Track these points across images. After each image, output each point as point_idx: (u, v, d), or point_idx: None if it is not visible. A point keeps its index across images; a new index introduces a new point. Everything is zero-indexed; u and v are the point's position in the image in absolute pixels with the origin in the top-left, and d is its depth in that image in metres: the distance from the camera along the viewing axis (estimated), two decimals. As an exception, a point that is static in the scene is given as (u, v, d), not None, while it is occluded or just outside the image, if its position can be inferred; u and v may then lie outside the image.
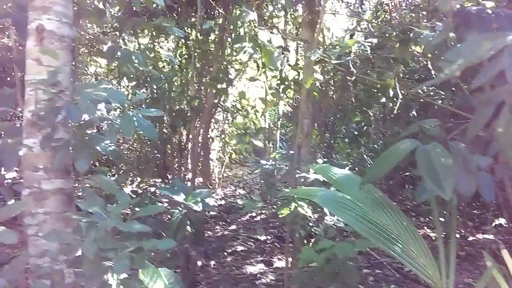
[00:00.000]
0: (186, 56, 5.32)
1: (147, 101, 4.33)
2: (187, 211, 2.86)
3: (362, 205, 2.20)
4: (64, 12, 2.11)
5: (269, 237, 5.64)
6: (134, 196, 3.84)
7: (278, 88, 4.90)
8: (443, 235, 4.53)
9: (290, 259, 3.84)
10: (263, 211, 5.89)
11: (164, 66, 5.78)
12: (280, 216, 3.43)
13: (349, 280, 2.78)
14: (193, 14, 5.29)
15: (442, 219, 4.81)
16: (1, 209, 1.94)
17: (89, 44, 4.79)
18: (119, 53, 3.23)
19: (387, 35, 3.85)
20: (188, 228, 2.95)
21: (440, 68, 1.47)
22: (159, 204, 3.41)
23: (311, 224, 3.62)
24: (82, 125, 2.00)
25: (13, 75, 3.04)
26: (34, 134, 2.08)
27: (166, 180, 5.27)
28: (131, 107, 2.25)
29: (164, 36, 5.24)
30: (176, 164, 5.28)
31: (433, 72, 3.91)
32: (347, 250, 2.76)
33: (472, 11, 2.24)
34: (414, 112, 5.19)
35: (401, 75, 4.08)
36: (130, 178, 5.36)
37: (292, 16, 5.66)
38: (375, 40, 3.78)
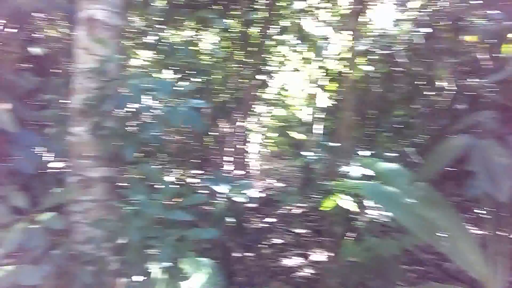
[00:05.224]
0: (227, 48, 5.31)
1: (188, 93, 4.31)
2: (230, 203, 2.86)
3: (411, 200, 2.13)
4: (114, 2, 2.12)
5: (306, 231, 5.58)
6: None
7: (318, 80, 4.83)
8: (482, 233, 4.36)
9: (329, 253, 3.78)
10: (301, 204, 5.84)
11: (204, 59, 5.79)
12: (321, 209, 3.38)
13: (393, 277, 2.71)
14: (235, 6, 5.27)
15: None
16: (49, 196, 1.97)
17: (133, 37, 4.85)
18: (164, 45, 3.26)
19: (437, 24, 3.69)
20: (228, 219, 2.95)
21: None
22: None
23: (352, 218, 3.54)
24: (129, 113, 2.01)
25: (59, 66, 3.11)
26: (81, 122, 2.11)
27: (204, 172, 5.29)
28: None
29: (206, 28, 5.24)
30: (215, 156, 5.29)
31: (488, 63, 3.71)
32: (392, 248, 2.69)
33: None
34: (461, 106, 4.98)
35: (452, 66, 3.91)
36: (169, 169, 5.40)
37: (335, 6, 5.55)
38: (426, 30, 3.62)
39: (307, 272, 4.38)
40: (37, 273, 1.64)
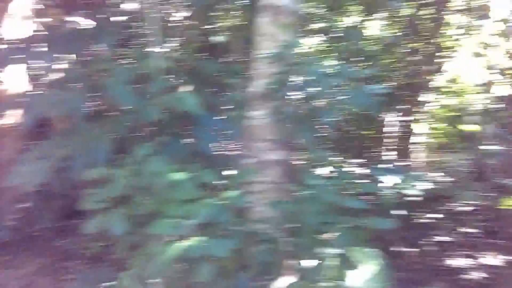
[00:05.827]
0: (396, 33, 5.06)
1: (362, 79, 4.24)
2: (398, 195, 2.75)
3: None
4: (294, -12, 2.16)
5: (477, 230, 5.11)
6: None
7: (500, 65, 4.35)
8: None
9: (505, 257, 3.43)
10: (473, 202, 5.36)
11: (372, 45, 5.62)
12: (497, 208, 3.06)
13: None
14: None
15: None
16: (229, 176, 2.10)
17: (304, 23, 4.92)
18: (334, 31, 3.25)
19: None
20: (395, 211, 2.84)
21: None
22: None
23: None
24: (307, 98, 2.05)
25: (239, 53, 3.32)
26: (261, 107, 2.20)
27: (370, 161, 5.17)
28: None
29: (374, 13, 5.07)
30: (380, 145, 5.14)
31: None
32: None
33: None
34: None
35: None
36: (336, 156, 5.40)
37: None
38: None
39: (476, 275, 4.03)
40: (224, 246, 1.77)
